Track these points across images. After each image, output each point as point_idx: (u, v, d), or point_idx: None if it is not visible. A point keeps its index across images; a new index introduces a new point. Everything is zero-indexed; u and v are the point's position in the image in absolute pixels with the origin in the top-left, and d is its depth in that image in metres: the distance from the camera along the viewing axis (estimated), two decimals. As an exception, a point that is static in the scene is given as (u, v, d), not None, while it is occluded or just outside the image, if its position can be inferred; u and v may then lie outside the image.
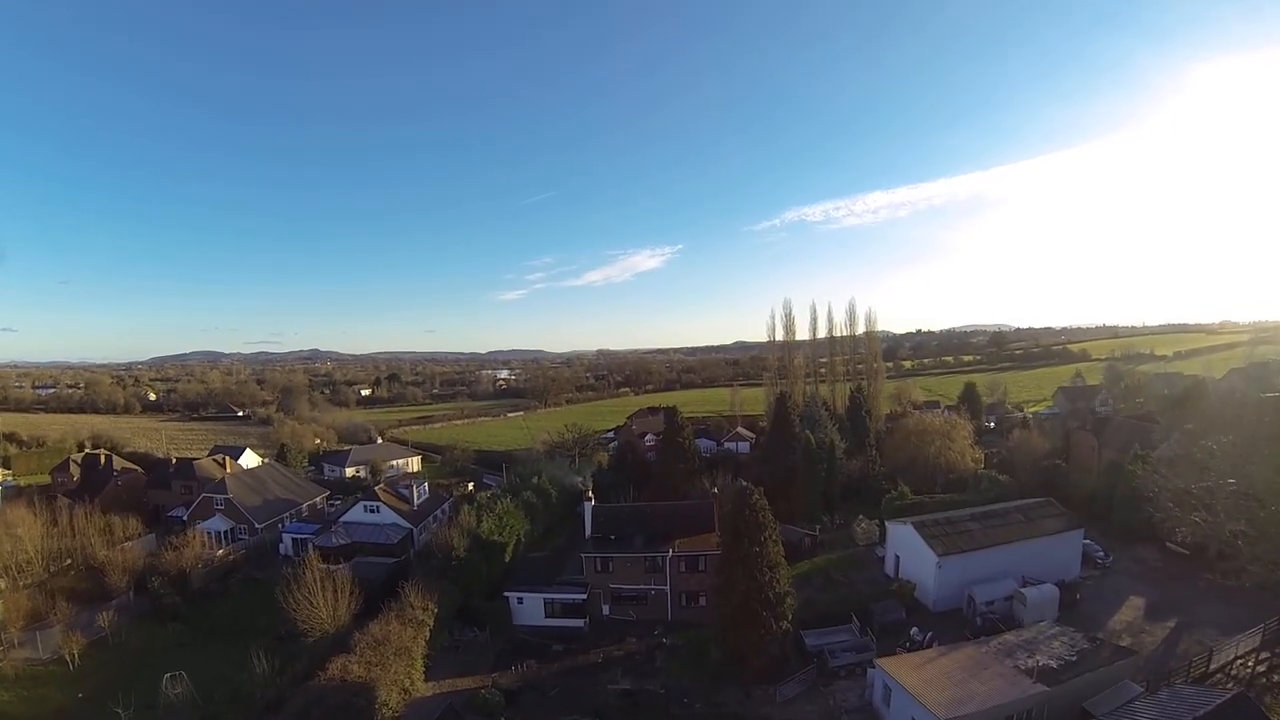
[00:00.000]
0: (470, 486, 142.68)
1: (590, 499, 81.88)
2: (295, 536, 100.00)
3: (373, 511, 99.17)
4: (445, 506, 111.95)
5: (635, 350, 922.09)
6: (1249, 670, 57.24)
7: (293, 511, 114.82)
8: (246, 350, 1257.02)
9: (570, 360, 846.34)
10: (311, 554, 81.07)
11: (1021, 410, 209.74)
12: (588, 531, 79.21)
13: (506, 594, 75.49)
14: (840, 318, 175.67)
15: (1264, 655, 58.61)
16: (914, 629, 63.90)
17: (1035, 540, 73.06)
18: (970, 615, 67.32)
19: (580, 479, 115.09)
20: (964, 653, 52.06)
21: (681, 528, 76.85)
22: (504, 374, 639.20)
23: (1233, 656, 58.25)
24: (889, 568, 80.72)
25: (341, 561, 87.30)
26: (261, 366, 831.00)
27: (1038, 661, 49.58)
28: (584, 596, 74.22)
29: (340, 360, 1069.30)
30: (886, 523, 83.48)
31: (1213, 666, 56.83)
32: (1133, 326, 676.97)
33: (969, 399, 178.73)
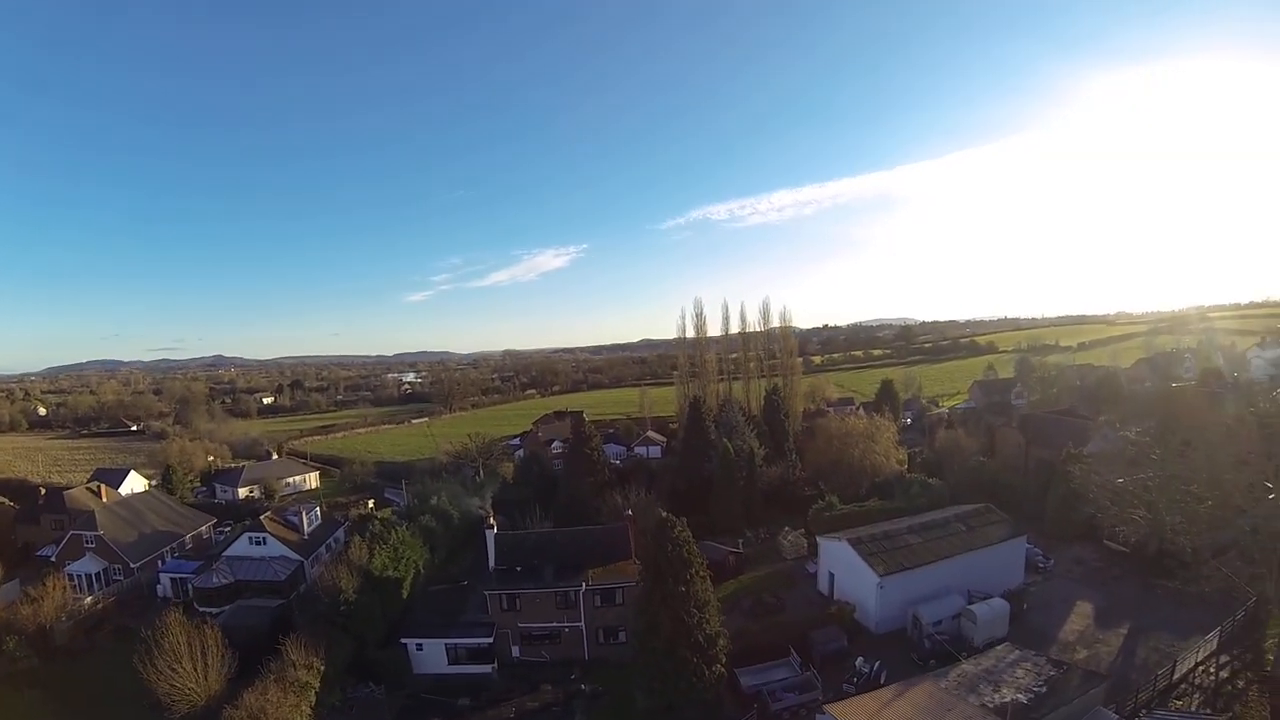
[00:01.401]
0: (370, 504, 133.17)
1: (492, 525, 73.60)
2: (174, 576, 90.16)
3: (259, 543, 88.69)
4: (340, 532, 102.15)
5: (541, 350, 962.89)
6: (1213, 678, 55.02)
7: (174, 545, 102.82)
8: (147, 358, 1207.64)
9: (477, 361, 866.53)
10: (175, 612, 70.68)
11: (937, 404, 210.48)
12: (491, 563, 71.10)
13: (404, 640, 67.30)
14: (753, 314, 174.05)
15: (1224, 659, 56.79)
16: (859, 659, 58.35)
17: (978, 551, 68.71)
18: (917, 638, 62.19)
19: (480, 502, 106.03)
20: (922, 690, 46.39)
21: (595, 555, 69.50)
22: (410, 377, 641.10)
23: (1194, 664, 55.83)
24: (822, 584, 75.39)
25: (223, 605, 78.52)
26: (162, 375, 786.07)
27: (1005, 697, 44.39)
28: (491, 640, 66.51)
29: (245, 366, 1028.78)
30: (819, 538, 77.91)
31: (1176, 676, 54.03)
32: (1033, 319, 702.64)
33: (887, 396, 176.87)
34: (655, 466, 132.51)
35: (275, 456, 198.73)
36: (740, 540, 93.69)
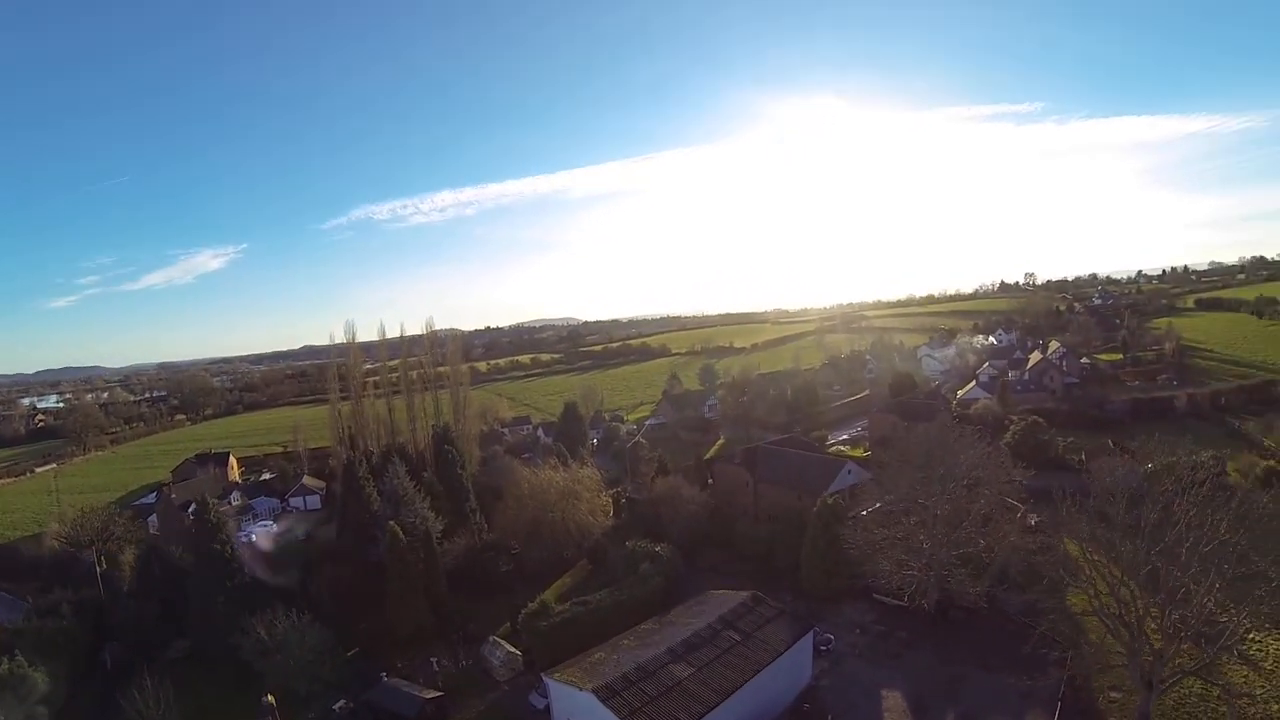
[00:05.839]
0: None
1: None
2: None
3: None
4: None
5: (199, 361, 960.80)
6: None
7: None
8: None
9: (129, 377, 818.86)
10: None
11: (623, 419, 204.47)
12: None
13: None
14: (414, 320, 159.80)
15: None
16: None
17: (767, 669, 55.94)
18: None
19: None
20: None
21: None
22: (50, 401, 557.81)
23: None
24: (559, 728, 58.46)
25: None
26: None
27: None
28: None
29: None
30: (547, 680, 58.92)
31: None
32: (695, 316, 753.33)
33: (571, 421, 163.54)
34: (314, 553, 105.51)
35: None
36: (434, 660, 76.10)
